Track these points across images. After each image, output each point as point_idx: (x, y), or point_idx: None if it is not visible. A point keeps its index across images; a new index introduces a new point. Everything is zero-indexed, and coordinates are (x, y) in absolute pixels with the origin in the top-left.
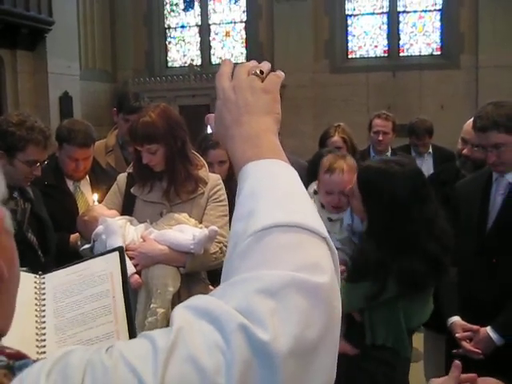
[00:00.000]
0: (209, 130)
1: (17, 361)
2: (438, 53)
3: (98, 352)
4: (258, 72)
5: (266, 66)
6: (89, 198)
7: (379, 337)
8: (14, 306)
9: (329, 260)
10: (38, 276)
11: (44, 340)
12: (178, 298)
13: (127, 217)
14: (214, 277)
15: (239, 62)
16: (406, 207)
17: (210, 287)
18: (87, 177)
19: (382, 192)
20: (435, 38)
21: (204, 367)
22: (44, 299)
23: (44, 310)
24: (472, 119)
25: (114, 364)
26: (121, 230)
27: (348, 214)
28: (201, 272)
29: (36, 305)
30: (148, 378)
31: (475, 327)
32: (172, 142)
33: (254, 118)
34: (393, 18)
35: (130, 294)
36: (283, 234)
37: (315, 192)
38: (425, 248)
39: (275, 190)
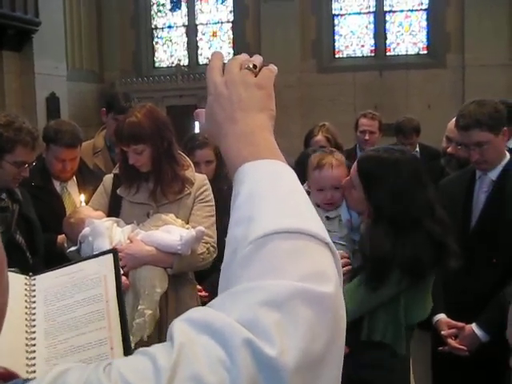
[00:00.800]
0: (196, 130)
1: (5, 382)
2: (425, 52)
3: (96, 371)
4: (251, 66)
5: (258, 59)
6: (76, 198)
7: (377, 333)
8: (4, 313)
9: (333, 267)
10: (28, 277)
11: (34, 345)
12: (165, 299)
13: (114, 218)
14: (202, 277)
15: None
16: (410, 191)
17: (198, 287)
18: (74, 178)
19: (385, 179)
20: (421, 37)
21: None
22: (34, 302)
23: (34, 314)
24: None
25: None
26: (107, 231)
27: (345, 209)
28: (188, 273)
29: (26, 308)
30: None
31: (460, 324)
32: (158, 143)
33: (249, 114)
34: (379, 17)
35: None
36: (285, 241)
37: (308, 193)
38: (429, 231)
39: (275, 193)
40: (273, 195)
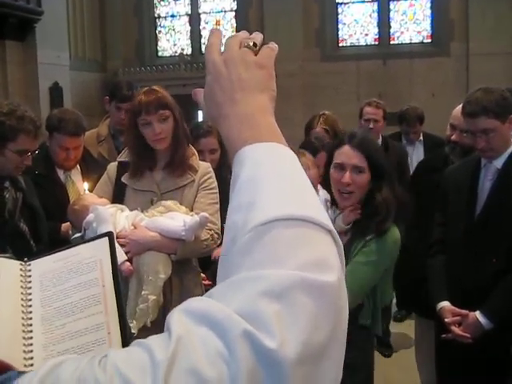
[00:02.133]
0: (200, 119)
1: (0, 374)
2: (429, 41)
3: (91, 364)
4: (251, 44)
5: (258, 37)
6: (79, 187)
7: (361, 317)
8: None
9: (335, 255)
10: (23, 263)
11: (31, 331)
12: (169, 286)
13: (118, 205)
14: (205, 264)
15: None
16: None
17: (202, 275)
18: (78, 166)
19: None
20: (426, 25)
21: (207, 379)
22: (30, 287)
23: (30, 300)
24: (460, 105)
25: (109, 379)
26: (111, 217)
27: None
28: (192, 260)
29: (22, 293)
30: None
31: (464, 312)
32: (178, 114)
33: (249, 95)
34: (383, 5)
35: (121, 282)
36: (287, 229)
37: None
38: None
39: (277, 178)
40: (274, 180)
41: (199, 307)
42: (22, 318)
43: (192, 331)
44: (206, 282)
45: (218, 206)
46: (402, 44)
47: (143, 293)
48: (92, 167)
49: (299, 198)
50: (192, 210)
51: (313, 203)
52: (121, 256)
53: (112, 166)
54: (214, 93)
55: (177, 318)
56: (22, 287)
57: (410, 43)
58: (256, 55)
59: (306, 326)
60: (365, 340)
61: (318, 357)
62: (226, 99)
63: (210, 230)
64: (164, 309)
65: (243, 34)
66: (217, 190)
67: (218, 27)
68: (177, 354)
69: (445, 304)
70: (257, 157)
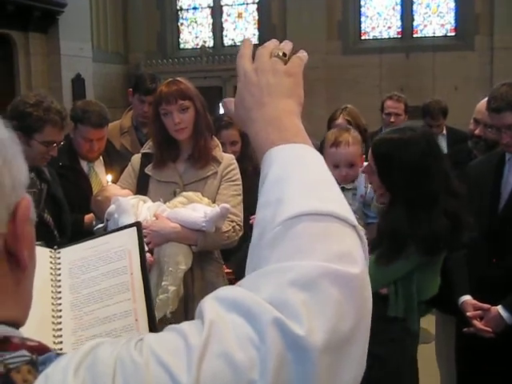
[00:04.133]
0: (221, 111)
1: (40, 355)
2: (452, 34)
3: (127, 347)
4: (281, 54)
5: (287, 46)
6: (103, 178)
7: (392, 308)
8: (31, 297)
9: (359, 249)
10: (53, 251)
11: (60, 317)
12: (191, 277)
13: (140, 196)
14: (227, 256)
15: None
16: (424, 167)
17: (224, 267)
18: (101, 158)
19: (398, 158)
20: (449, 18)
21: (238, 363)
22: (59, 274)
23: (60, 286)
24: (484, 100)
25: (145, 361)
26: (133, 208)
27: (362, 185)
28: (214, 251)
29: (52, 280)
30: (182, 375)
31: (486, 306)
32: (200, 104)
33: (277, 100)
34: None
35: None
36: (314, 223)
37: None
38: (445, 206)
39: (303, 176)
40: (301, 178)
41: (231, 295)
42: (52, 304)
43: (224, 317)
44: (228, 271)
45: (240, 197)
46: (425, 37)
47: (163, 283)
48: (115, 159)
49: (325, 194)
50: (215, 202)
51: (338, 200)
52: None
53: (136, 158)
54: (244, 98)
55: (209, 305)
56: (51, 274)
57: (434, 36)
58: (286, 64)
59: (333, 315)
60: (397, 332)
61: (343, 345)
62: (255, 104)
63: (232, 221)
64: (186, 300)
65: (273, 43)
66: (240, 182)
67: (240, 19)
68: (209, 339)
69: (467, 298)
70: (283, 157)
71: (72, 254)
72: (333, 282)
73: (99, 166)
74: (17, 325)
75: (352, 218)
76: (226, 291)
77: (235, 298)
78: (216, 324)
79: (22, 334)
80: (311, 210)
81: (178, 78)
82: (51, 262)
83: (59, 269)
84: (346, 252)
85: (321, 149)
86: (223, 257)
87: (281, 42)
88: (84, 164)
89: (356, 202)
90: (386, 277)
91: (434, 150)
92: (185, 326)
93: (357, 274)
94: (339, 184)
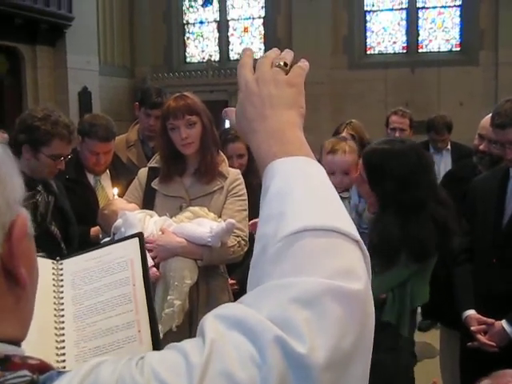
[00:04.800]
0: (227, 125)
1: (41, 374)
2: (457, 49)
3: (128, 366)
4: (282, 64)
5: (288, 55)
6: (109, 192)
7: (385, 314)
8: (33, 312)
9: (362, 264)
10: (55, 262)
11: (63, 328)
12: (196, 292)
13: (147, 211)
14: (233, 270)
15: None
16: (414, 177)
17: (229, 281)
18: (107, 171)
19: (388, 169)
20: (454, 34)
21: (239, 382)
22: (62, 286)
23: (62, 298)
24: (489, 115)
25: (146, 381)
26: (140, 223)
27: (355, 194)
28: (220, 266)
29: (54, 291)
30: None
31: (490, 320)
32: (207, 119)
33: (278, 111)
34: (412, 13)
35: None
36: (316, 239)
37: None
38: (432, 213)
39: (305, 190)
40: (303, 192)
41: (232, 313)
42: (55, 316)
43: (225, 336)
44: (232, 282)
45: (246, 212)
46: (430, 52)
47: (169, 298)
48: (121, 172)
49: (327, 209)
50: (220, 217)
51: (340, 214)
52: (148, 261)
53: (143, 172)
54: (245, 109)
55: (210, 322)
56: (54, 285)
57: (439, 51)
58: (287, 74)
59: (335, 333)
60: (391, 338)
61: (346, 362)
62: (257, 115)
63: (238, 236)
64: (191, 313)
65: (274, 53)
66: (245, 197)
67: (246, 34)
68: (211, 358)
69: (471, 312)
70: (286, 170)
71: (74, 265)
72: (335, 298)
73: (105, 180)
74: (17, 342)
75: (355, 232)
76: (227, 309)
77: (236, 316)
78: (217, 342)
79: (23, 352)
80: (314, 225)
81: (186, 93)
82: (53, 274)
83: (61, 280)
84: (349, 268)
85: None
86: (228, 269)
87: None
88: (90, 177)
89: (352, 211)
90: (383, 285)
91: (422, 161)
92: (186, 344)
93: (360, 289)
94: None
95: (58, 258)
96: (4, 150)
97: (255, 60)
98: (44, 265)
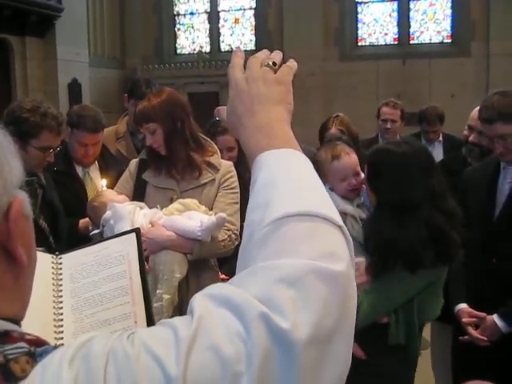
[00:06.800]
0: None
1: (38, 347)
2: (449, 41)
3: (120, 339)
4: (271, 63)
5: (277, 56)
6: (98, 183)
7: (393, 336)
8: (31, 291)
9: (345, 248)
10: (54, 256)
11: (61, 320)
12: (186, 285)
13: (137, 202)
14: (223, 263)
15: (248, 49)
16: (409, 179)
17: (220, 274)
18: (96, 163)
19: (383, 169)
20: (446, 25)
21: (225, 356)
22: (61, 279)
23: (61, 290)
24: (478, 107)
25: (136, 352)
26: (129, 215)
27: (365, 194)
28: (210, 259)
29: (53, 285)
30: (171, 366)
31: (482, 314)
32: (169, 122)
33: (267, 107)
34: (403, 5)
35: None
36: (300, 223)
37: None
38: (427, 219)
39: (291, 180)
40: (288, 182)
41: (220, 292)
42: (54, 308)
43: (213, 312)
44: (223, 277)
45: (237, 206)
46: (421, 44)
47: (158, 292)
48: (110, 164)
49: (311, 196)
50: (211, 209)
51: (324, 202)
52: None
53: (133, 163)
54: (235, 106)
55: (199, 301)
56: (53, 279)
57: (430, 43)
58: (276, 73)
59: (317, 311)
60: (397, 362)
61: (328, 340)
62: (246, 111)
63: (228, 230)
64: (181, 307)
65: (264, 54)
66: (238, 190)
67: (237, 25)
68: (198, 332)
69: (462, 306)
70: (272, 162)
71: (73, 259)
72: (318, 278)
73: (94, 171)
74: (16, 320)
75: (337, 218)
76: (215, 288)
77: (224, 295)
78: (205, 318)
79: (21, 330)
80: (298, 211)
81: (150, 96)
82: (53, 268)
83: (61, 274)
84: (332, 250)
85: (315, 166)
86: (219, 263)
87: (277, 49)
88: (79, 169)
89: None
90: (398, 297)
91: (423, 164)
92: (176, 320)
93: (342, 270)
94: (352, 199)
95: (57, 252)
96: (3, 134)
97: (246, 58)
98: (44, 259)
